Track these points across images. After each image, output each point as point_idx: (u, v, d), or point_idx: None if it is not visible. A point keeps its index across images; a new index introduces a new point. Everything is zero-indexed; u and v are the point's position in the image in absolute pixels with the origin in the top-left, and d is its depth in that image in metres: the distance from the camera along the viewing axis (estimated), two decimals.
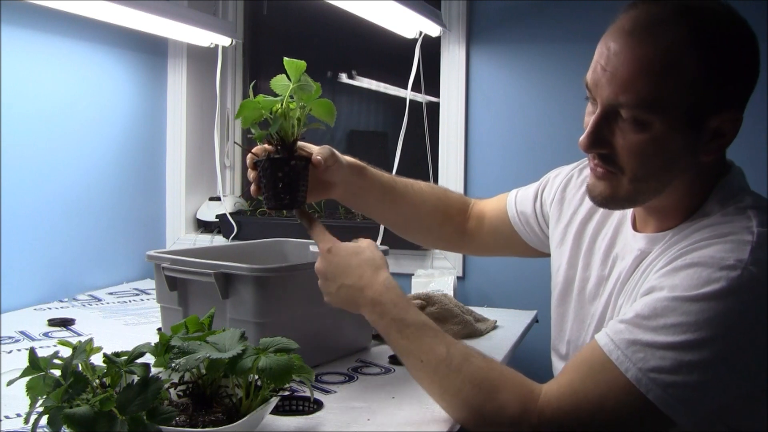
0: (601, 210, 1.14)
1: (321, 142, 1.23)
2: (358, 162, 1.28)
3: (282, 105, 1.12)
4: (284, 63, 1.14)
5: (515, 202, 1.34)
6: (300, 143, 1.17)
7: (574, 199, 1.20)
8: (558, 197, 1.23)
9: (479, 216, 1.40)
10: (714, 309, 0.82)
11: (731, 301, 0.83)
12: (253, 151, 1.18)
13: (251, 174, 1.17)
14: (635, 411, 0.85)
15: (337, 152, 1.20)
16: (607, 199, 0.97)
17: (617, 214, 1.11)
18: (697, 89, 0.86)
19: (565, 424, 0.87)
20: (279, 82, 1.14)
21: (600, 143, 0.92)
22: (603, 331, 0.91)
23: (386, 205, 1.33)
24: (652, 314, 0.85)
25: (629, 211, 1.08)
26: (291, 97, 1.13)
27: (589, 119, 0.94)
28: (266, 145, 1.16)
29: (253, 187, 1.17)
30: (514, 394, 0.90)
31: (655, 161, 0.90)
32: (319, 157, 1.15)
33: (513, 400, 0.90)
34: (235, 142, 2.52)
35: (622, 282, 1.03)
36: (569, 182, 1.23)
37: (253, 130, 1.17)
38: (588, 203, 1.15)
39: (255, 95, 1.15)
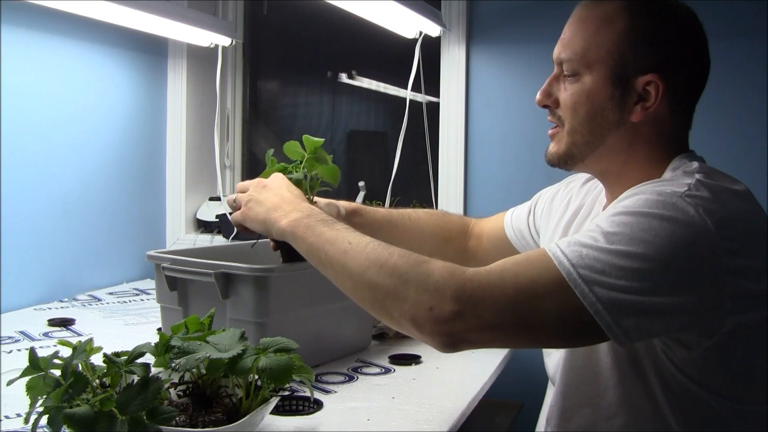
0: (581, 211, 1.19)
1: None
2: (353, 204, 1.39)
3: (302, 179, 1.25)
4: (303, 139, 1.28)
5: (511, 219, 1.42)
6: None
7: (560, 206, 1.26)
8: (546, 209, 1.31)
9: (479, 235, 1.47)
10: (648, 225, 0.87)
11: (665, 223, 0.87)
12: None
13: None
14: (560, 303, 0.86)
15: (333, 202, 1.33)
16: (555, 155, 1.08)
17: (595, 209, 1.15)
18: (623, 50, 1.01)
19: (488, 295, 0.88)
20: (292, 147, 1.28)
21: (548, 96, 1.08)
22: None
23: (385, 239, 1.38)
24: (595, 228, 0.90)
25: (603, 202, 1.13)
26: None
27: None
28: None
29: None
30: (442, 263, 0.92)
31: (584, 111, 1.03)
32: None
33: (441, 268, 0.91)
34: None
35: None
36: (557, 194, 1.31)
37: None
38: (571, 207, 1.23)
39: (273, 153, 1.30)
